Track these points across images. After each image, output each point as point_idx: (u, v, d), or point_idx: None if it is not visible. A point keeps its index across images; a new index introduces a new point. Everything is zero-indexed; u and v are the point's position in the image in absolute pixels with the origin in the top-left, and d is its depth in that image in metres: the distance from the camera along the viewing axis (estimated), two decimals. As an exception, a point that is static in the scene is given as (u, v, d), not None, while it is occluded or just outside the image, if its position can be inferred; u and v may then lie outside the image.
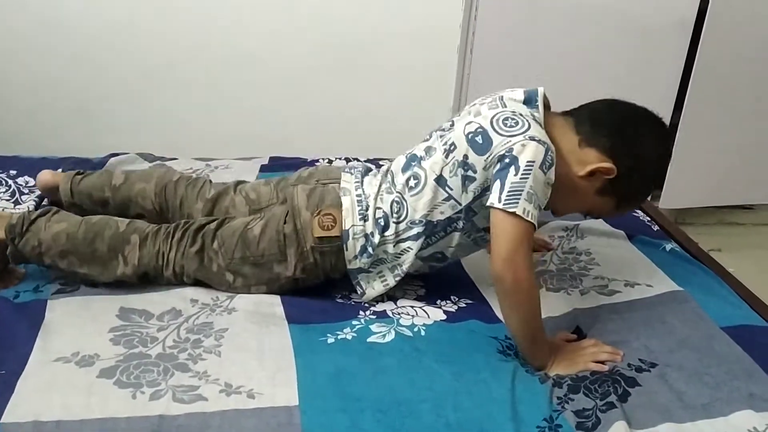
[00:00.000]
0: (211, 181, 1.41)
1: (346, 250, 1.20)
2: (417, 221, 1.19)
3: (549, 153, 1.10)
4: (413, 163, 1.22)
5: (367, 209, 1.21)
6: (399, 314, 1.20)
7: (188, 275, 1.23)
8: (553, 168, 1.11)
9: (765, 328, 1.22)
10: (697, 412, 1.00)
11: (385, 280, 1.23)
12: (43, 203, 1.49)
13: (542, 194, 1.10)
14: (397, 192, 1.21)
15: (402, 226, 1.20)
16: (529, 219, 1.06)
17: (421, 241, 1.20)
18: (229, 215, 1.30)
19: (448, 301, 1.26)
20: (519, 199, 1.06)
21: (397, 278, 1.23)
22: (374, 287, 1.23)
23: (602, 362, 1.11)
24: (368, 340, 1.13)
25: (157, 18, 2.24)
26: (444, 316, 1.21)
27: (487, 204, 1.10)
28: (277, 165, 1.77)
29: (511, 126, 1.13)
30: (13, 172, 1.60)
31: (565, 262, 1.41)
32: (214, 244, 1.21)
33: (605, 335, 1.18)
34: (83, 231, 1.21)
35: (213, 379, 1.02)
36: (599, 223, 1.56)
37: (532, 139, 1.10)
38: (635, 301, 1.28)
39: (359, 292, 1.24)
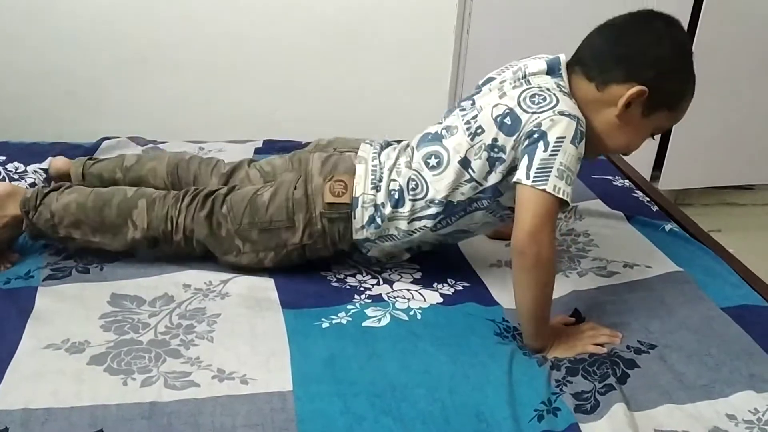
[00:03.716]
0: (224, 161, 1.40)
1: (354, 218, 1.19)
2: (437, 201, 1.17)
3: (579, 126, 1.08)
4: (433, 141, 1.19)
5: (380, 180, 1.20)
6: (395, 298, 1.19)
7: (198, 240, 1.23)
8: (584, 140, 1.09)
9: (765, 308, 1.20)
10: (697, 393, 0.99)
11: (395, 244, 1.23)
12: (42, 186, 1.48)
13: (575, 169, 1.08)
14: (414, 169, 1.19)
15: (419, 204, 1.18)
16: (559, 195, 1.04)
17: (437, 220, 1.18)
18: (242, 184, 1.30)
19: (444, 284, 1.25)
20: (549, 175, 1.04)
21: (405, 246, 1.23)
22: (381, 248, 1.24)
23: (601, 344, 1.09)
24: (363, 324, 1.11)
25: (146, 0, 2.20)
26: (440, 299, 1.20)
27: (514, 180, 1.08)
28: (271, 148, 1.75)
29: (539, 102, 1.10)
30: (2, 158, 1.58)
31: (563, 244, 1.40)
32: (223, 208, 1.21)
33: (604, 317, 1.16)
34: (92, 199, 1.23)
35: (205, 365, 1.00)
36: (598, 204, 1.55)
37: (561, 114, 1.08)
38: (634, 283, 1.26)
39: (364, 251, 1.25)
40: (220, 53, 2.30)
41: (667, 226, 1.47)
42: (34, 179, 1.50)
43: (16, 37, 2.19)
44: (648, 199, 1.61)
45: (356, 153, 1.24)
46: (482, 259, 1.34)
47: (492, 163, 1.14)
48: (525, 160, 1.07)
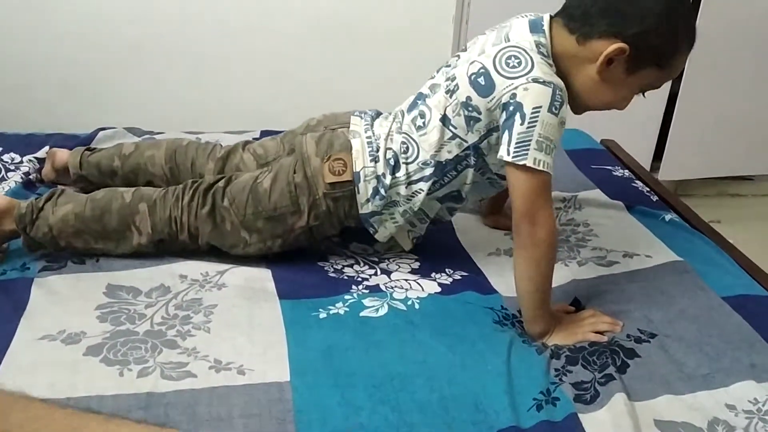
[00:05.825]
0: (221, 144, 1.40)
1: (358, 193, 1.18)
2: (427, 162, 1.17)
3: (557, 92, 1.05)
4: (419, 102, 1.20)
5: (377, 150, 1.18)
6: (392, 288, 1.18)
7: (202, 237, 1.22)
8: (566, 105, 1.07)
9: (766, 297, 1.19)
10: (697, 383, 0.99)
11: (396, 221, 1.22)
12: (30, 177, 1.47)
13: (556, 136, 1.06)
14: (404, 132, 1.18)
15: (412, 167, 1.18)
16: (541, 168, 1.03)
17: (431, 182, 1.18)
18: (239, 172, 1.28)
19: (442, 274, 1.24)
20: (528, 149, 1.03)
21: (406, 216, 1.22)
22: (386, 227, 1.23)
23: (601, 333, 1.09)
24: (361, 314, 1.10)
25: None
26: (439, 289, 1.19)
27: (498, 156, 1.08)
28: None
29: (513, 66, 1.07)
30: (-2, 149, 1.57)
31: (563, 234, 1.39)
32: (224, 201, 1.20)
33: (604, 306, 1.16)
34: (90, 208, 1.21)
35: (202, 356, 1.00)
36: (597, 194, 1.54)
37: (535, 81, 1.05)
38: (634, 272, 1.26)
39: (371, 232, 1.24)
40: (217, 44, 2.28)
41: (667, 216, 1.46)
42: (29, 168, 1.49)
43: (13, 28, 2.18)
44: (648, 189, 1.60)
45: (348, 128, 1.23)
46: (481, 248, 1.33)
47: (468, 121, 1.13)
48: (505, 136, 1.06)
